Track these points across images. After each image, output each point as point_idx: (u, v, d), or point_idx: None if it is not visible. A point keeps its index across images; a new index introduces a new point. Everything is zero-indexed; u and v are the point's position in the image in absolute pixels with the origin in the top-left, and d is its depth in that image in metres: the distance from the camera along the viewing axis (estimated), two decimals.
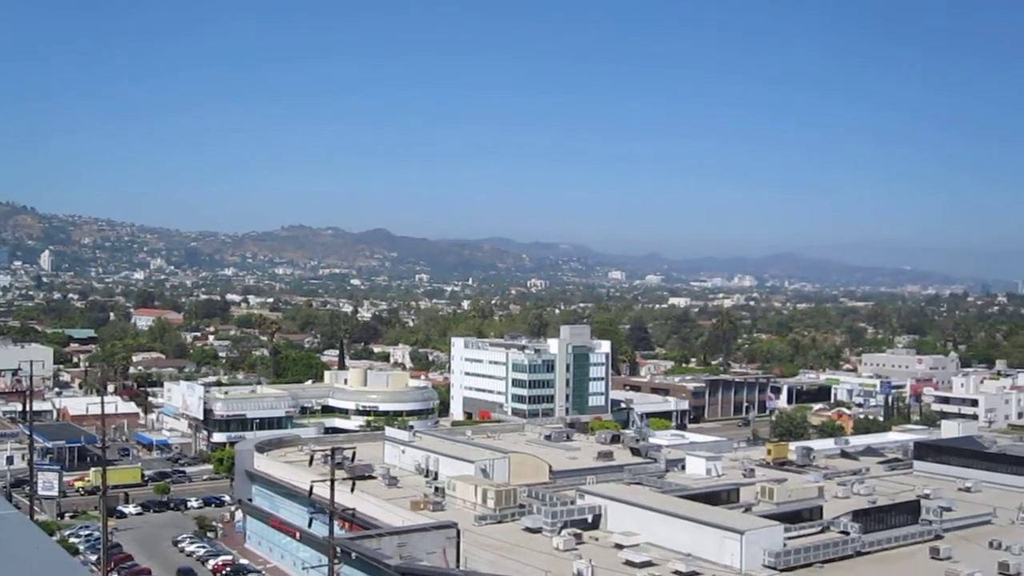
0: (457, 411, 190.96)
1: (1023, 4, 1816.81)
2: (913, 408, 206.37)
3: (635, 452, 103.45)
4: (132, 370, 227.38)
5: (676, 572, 59.05)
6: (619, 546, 63.96)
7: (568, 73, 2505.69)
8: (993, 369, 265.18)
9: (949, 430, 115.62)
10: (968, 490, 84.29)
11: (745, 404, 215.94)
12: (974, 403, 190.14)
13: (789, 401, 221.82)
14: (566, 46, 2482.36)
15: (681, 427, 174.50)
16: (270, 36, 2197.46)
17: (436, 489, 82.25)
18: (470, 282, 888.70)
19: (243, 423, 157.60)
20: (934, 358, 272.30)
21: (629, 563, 60.77)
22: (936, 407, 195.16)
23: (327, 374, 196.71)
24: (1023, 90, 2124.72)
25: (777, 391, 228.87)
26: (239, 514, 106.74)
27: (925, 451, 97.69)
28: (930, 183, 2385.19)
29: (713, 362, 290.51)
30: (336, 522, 60.29)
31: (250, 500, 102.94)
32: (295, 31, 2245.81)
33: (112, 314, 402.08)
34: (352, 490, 62.33)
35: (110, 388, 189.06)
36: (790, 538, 63.60)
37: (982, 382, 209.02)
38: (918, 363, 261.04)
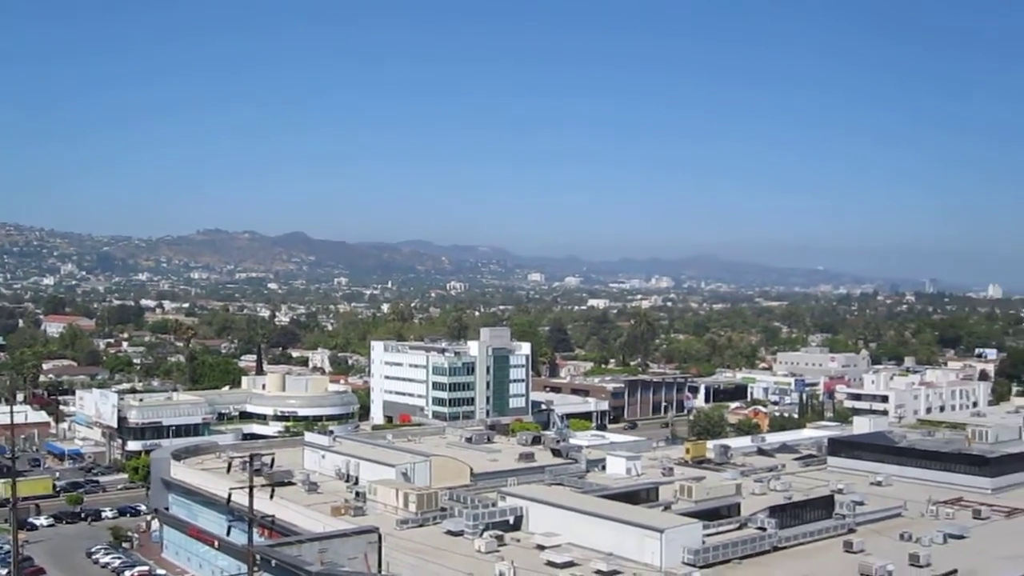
0: (377, 415, 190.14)
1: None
2: (826, 405, 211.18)
3: (556, 453, 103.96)
4: (42, 378, 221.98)
5: (598, 571, 59.47)
6: (541, 547, 64.23)
7: (482, 73, 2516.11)
8: (902, 366, 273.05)
9: (861, 426, 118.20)
10: (879, 484, 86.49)
11: (664, 404, 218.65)
12: (884, 399, 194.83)
13: (707, 400, 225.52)
14: (477, 46, 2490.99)
15: (601, 427, 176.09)
16: (180, 49, 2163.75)
17: (357, 494, 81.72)
18: (389, 285, 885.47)
19: (159, 431, 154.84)
20: (846, 356, 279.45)
21: (551, 564, 61.06)
22: (848, 404, 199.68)
23: (245, 380, 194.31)
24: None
25: (695, 390, 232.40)
26: (156, 523, 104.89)
27: (838, 447, 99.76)
28: (840, 185, 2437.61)
29: (632, 363, 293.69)
30: (255, 529, 59.55)
31: (167, 509, 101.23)
32: (199, 43, 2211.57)
33: (21, 321, 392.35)
34: (271, 497, 61.52)
35: (19, 397, 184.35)
36: (709, 535, 64.46)
37: (892, 379, 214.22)
38: (831, 361, 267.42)
